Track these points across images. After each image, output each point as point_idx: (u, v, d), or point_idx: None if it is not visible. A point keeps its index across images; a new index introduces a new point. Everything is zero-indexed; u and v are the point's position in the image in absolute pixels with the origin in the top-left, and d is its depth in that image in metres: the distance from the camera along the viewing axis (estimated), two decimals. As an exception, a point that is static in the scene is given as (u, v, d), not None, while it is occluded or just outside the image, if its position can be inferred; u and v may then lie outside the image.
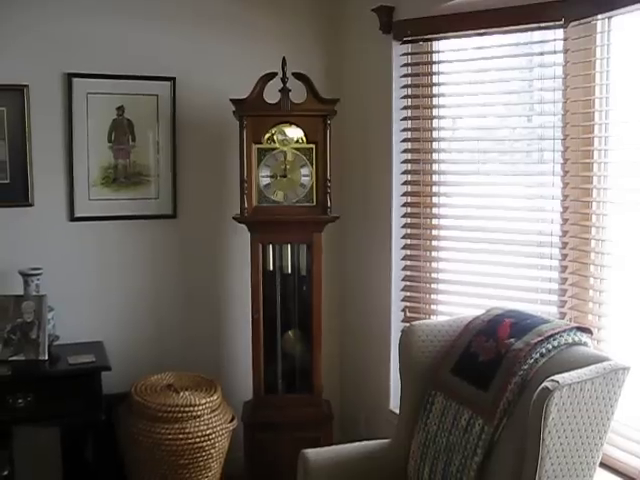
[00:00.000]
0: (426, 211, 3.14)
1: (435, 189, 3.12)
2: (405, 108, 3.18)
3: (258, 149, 3.04)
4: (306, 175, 3.08)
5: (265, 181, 3.04)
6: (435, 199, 3.12)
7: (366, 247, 3.37)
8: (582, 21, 2.47)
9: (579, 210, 2.60)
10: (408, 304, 3.21)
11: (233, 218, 3.11)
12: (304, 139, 3.07)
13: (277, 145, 3.04)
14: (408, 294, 3.21)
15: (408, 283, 3.20)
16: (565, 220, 2.65)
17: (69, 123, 3.18)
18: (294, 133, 3.07)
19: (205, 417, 2.92)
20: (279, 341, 3.19)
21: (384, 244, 3.18)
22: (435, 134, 3.10)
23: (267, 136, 3.05)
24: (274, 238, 3.10)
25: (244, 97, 2.97)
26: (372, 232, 3.30)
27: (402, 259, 3.20)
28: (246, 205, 3.04)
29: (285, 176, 3.04)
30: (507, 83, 2.87)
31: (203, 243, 3.42)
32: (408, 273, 3.21)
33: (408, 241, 3.20)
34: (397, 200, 3.16)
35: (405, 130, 3.20)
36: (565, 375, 1.86)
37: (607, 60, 2.46)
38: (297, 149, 3.06)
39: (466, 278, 3.02)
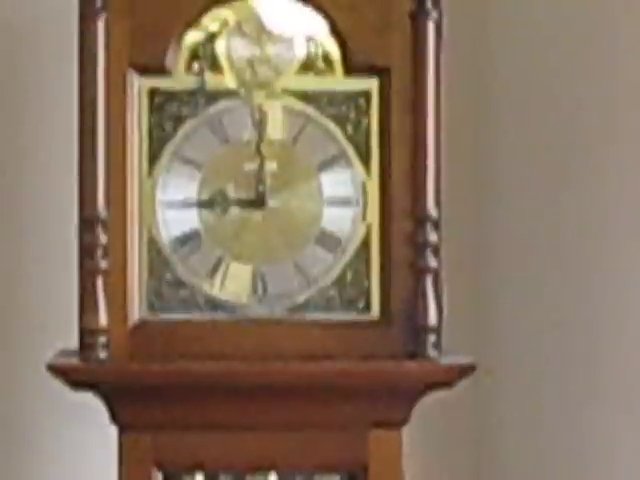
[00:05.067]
0: None
1: None
2: None
3: (153, 92, 1.67)
4: (339, 199, 1.73)
5: (182, 224, 1.73)
6: None
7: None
8: None
9: None
10: None
11: (50, 368, 1.67)
12: (330, 56, 1.72)
13: (228, 82, 1.68)
14: None
15: None
16: None
17: None
18: (291, 25, 1.74)
19: None
20: None
21: None
22: None
23: (190, 43, 1.70)
24: (213, 453, 1.70)
25: None
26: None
27: None
28: (102, 318, 1.64)
29: (261, 202, 1.67)
30: None
31: None
32: None
33: None
34: None
35: None
36: None
37: None
38: (304, 95, 1.72)
39: None
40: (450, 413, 2.04)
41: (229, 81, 1.55)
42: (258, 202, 1.56)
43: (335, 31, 1.55)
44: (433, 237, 1.53)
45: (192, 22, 1.55)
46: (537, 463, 2.16)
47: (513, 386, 2.23)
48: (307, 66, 1.58)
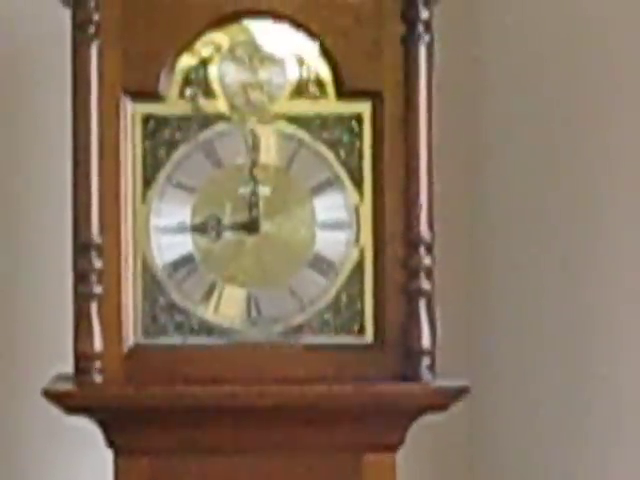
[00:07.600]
0: None
1: None
2: None
3: (146, 120, 1.64)
4: (332, 223, 1.69)
5: (176, 248, 1.70)
6: None
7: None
8: None
9: None
10: None
11: (45, 393, 1.64)
12: (322, 80, 1.70)
13: (220, 107, 1.67)
14: None
15: None
16: None
17: None
18: (284, 50, 1.69)
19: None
20: None
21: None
22: None
23: (183, 68, 1.68)
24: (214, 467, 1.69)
25: None
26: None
27: None
28: (97, 343, 1.62)
29: (254, 226, 1.64)
30: None
31: None
32: None
33: None
34: None
35: None
36: None
37: None
38: (297, 120, 1.69)
39: None
40: (445, 436, 2.01)
41: (222, 106, 1.52)
42: (252, 226, 1.53)
43: (327, 55, 1.52)
44: (426, 260, 1.49)
45: (185, 47, 1.52)
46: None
47: (507, 408, 2.20)
48: (299, 90, 1.54)
